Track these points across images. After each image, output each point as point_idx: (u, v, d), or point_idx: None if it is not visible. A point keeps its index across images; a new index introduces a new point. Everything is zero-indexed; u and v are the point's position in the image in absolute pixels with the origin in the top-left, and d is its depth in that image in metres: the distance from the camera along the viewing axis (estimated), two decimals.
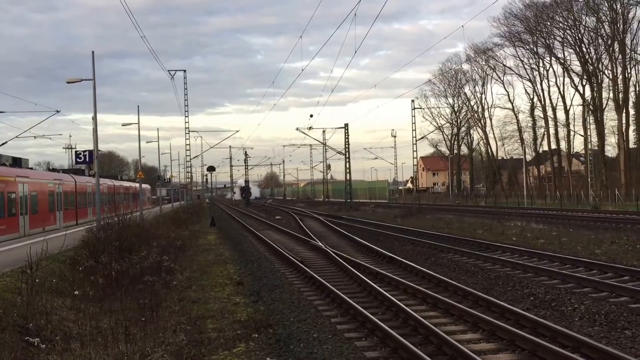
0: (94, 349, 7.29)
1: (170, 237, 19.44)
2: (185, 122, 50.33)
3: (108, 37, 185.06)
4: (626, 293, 10.45)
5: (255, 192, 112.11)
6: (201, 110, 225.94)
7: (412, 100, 58.27)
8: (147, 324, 8.66)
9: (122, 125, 38.93)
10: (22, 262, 9.84)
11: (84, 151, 25.04)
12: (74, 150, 56.32)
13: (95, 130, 23.38)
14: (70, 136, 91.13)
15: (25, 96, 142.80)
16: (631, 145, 60.77)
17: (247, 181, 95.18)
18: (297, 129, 59.57)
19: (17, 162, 28.13)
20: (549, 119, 68.71)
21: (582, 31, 62.53)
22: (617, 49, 59.73)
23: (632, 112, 59.95)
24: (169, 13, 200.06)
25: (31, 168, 32.99)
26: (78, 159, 25.34)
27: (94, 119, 23.39)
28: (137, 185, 43.35)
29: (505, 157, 79.49)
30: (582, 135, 63.08)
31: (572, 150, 69.13)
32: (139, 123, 37.09)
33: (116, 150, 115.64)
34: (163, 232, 20.89)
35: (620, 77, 59.69)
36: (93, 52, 21.93)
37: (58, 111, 32.46)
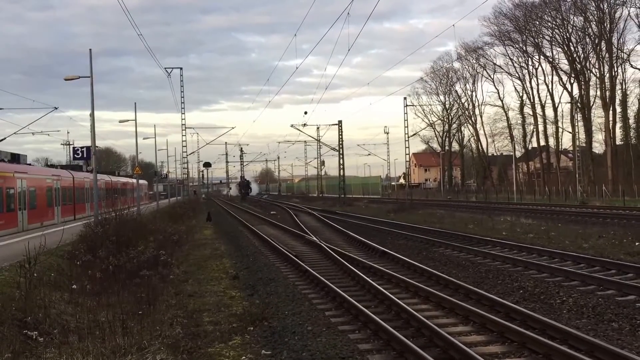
0: (92, 342, 7.36)
1: (167, 232, 19.49)
2: (182, 119, 50.44)
3: (104, 34, 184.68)
4: (613, 286, 10.64)
5: (254, 187, 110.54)
6: (197, 107, 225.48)
7: (405, 98, 58.69)
8: (144, 317, 8.72)
9: (120, 122, 39.27)
10: (20, 257, 9.90)
11: (82, 147, 25.12)
12: (71, 147, 56.12)
13: (92, 127, 23.48)
14: (68, 132, 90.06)
15: (23, 93, 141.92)
16: (618, 142, 61.69)
17: (242, 177, 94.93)
18: (291, 125, 60.02)
19: (15, 158, 28.26)
20: (538, 116, 69.62)
21: (570, 30, 63.50)
22: (604, 48, 60.59)
23: (618, 109, 61.00)
24: (164, 11, 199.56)
25: (29, 164, 33.01)
26: (76, 155, 25.46)
27: (92, 115, 23.47)
28: (134, 181, 43.36)
29: (495, 154, 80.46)
30: (570, 132, 63.92)
31: (560, 147, 70.01)
32: (135, 120, 37.37)
33: (113, 147, 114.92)
34: (160, 227, 20.97)
35: (607, 75, 60.62)
36: (90, 49, 22.08)
37: (56, 108, 32.54)
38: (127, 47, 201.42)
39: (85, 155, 25.34)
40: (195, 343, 7.84)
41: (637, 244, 16.47)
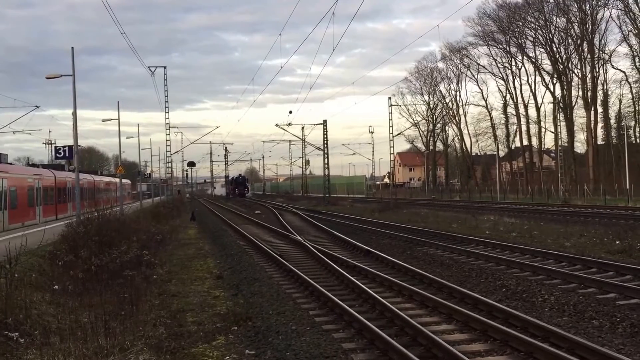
0: (74, 343, 7.30)
1: (151, 232, 19.36)
2: (166, 118, 49.91)
3: (84, 33, 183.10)
4: (594, 284, 10.77)
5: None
6: (180, 106, 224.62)
7: (389, 98, 58.89)
8: (127, 318, 8.68)
9: (102, 121, 39.02)
10: (1, 257, 9.79)
11: (64, 146, 24.79)
12: (53, 146, 55.47)
13: (75, 126, 23.21)
14: (50, 131, 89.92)
15: (3, 91, 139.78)
16: (599, 141, 62.62)
17: (227, 176, 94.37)
18: (276, 125, 59.88)
19: None
20: (521, 116, 70.55)
21: (553, 31, 64.39)
22: (586, 49, 61.47)
23: (600, 109, 61.97)
24: (145, 10, 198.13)
25: (10, 163, 32.66)
26: (58, 155, 25.14)
27: (74, 114, 23.21)
28: (117, 180, 43.03)
29: (479, 153, 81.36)
30: (552, 132, 64.79)
31: (543, 147, 70.97)
32: (119, 119, 36.98)
33: (96, 146, 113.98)
34: (143, 226, 20.80)
35: (589, 76, 61.53)
36: (72, 48, 21.88)
37: (38, 106, 32.28)
38: (109, 45, 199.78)
39: (67, 155, 25.06)
40: (178, 343, 7.81)
41: (617, 242, 16.66)
